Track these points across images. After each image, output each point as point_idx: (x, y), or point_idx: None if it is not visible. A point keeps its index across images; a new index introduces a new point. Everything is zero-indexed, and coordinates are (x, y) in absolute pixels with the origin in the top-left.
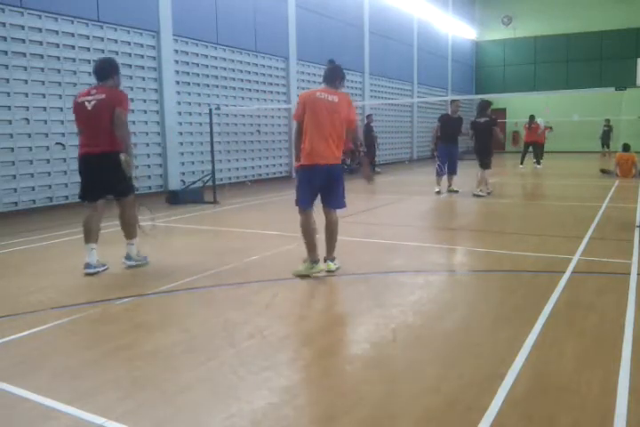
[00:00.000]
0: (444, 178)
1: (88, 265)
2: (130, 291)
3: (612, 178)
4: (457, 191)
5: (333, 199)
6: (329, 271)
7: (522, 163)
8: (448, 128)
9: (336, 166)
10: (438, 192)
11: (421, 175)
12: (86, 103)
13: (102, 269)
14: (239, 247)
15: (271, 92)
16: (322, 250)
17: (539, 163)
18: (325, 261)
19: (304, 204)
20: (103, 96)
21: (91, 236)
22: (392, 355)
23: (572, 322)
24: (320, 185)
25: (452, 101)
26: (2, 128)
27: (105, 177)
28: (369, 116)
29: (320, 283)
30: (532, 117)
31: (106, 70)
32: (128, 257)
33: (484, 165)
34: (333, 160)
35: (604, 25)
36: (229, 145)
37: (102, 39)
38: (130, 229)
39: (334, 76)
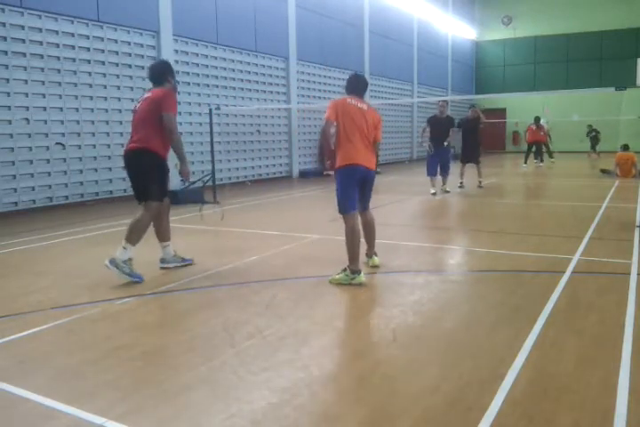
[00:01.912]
0: (439, 179)
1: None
2: (130, 291)
3: (612, 178)
4: (448, 191)
5: (367, 201)
6: (375, 267)
7: (525, 162)
8: (437, 129)
9: (372, 171)
10: (434, 193)
11: (421, 175)
12: (136, 105)
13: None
14: (239, 247)
15: (271, 92)
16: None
17: (542, 160)
18: (371, 256)
19: (353, 206)
20: (150, 94)
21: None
22: (392, 355)
23: (572, 322)
24: (358, 185)
25: (439, 102)
26: (2, 128)
27: (133, 175)
28: None
29: (320, 283)
30: (537, 119)
31: (157, 75)
32: (111, 260)
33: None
34: (369, 164)
35: (604, 25)
36: (229, 145)
37: (102, 39)
38: (132, 231)
39: (362, 87)
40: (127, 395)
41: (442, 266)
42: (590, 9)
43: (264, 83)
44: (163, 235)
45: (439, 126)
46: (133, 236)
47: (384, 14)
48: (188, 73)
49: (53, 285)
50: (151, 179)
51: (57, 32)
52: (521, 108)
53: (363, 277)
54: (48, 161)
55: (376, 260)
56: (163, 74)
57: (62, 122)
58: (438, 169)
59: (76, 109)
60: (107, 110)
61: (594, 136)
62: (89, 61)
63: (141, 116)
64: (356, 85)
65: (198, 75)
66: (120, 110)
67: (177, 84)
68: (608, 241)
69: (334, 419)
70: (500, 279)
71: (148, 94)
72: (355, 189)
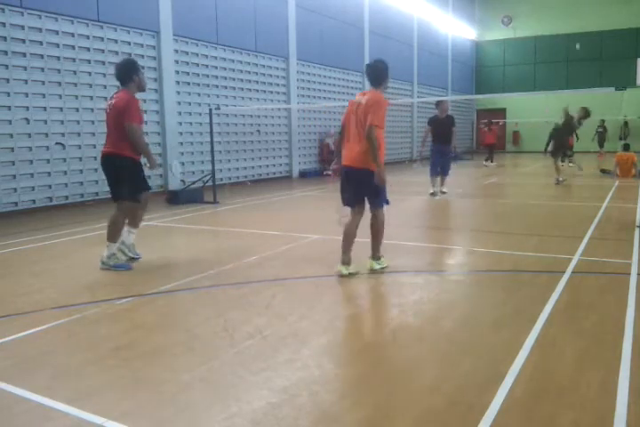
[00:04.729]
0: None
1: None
2: (130, 291)
3: (612, 178)
4: (445, 192)
5: (357, 200)
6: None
7: (562, 160)
8: (439, 129)
9: (353, 169)
10: (433, 194)
11: (421, 175)
12: (107, 107)
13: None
14: (239, 247)
15: (271, 92)
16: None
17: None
18: (375, 258)
19: (344, 201)
20: (113, 102)
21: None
22: (392, 355)
23: (572, 322)
24: (346, 184)
25: (439, 103)
26: (2, 128)
27: (107, 177)
28: None
29: (320, 283)
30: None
31: (123, 74)
32: (101, 261)
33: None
34: (351, 160)
35: (604, 25)
36: (229, 145)
37: (102, 39)
38: (109, 230)
39: (369, 76)
40: (127, 395)
41: (442, 266)
42: (590, 9)
43: (264, 83)
44: (135, 223)
45: (441, 127)
46: (112, 234)
47: (384, 14)
48: (187, 73)
49: (53, 285)
50: (123, 181)
51: (57, 32)
52: (521, 108)
53: (341, 268)
54: (48, 161)
55: (370, 263)
56: (127, 73)
57: (62, 122)
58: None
59: (76, 109)
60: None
61: (600, 133)
62: (89, 61)
63: (109, 123)
64: (370, 74)
65: (198, 75)
66: None
67: (143, 81)
68: (608, 241)
69: (334, 419)
70: (500, 279)
71: (114, 100)
72: (344, 188)
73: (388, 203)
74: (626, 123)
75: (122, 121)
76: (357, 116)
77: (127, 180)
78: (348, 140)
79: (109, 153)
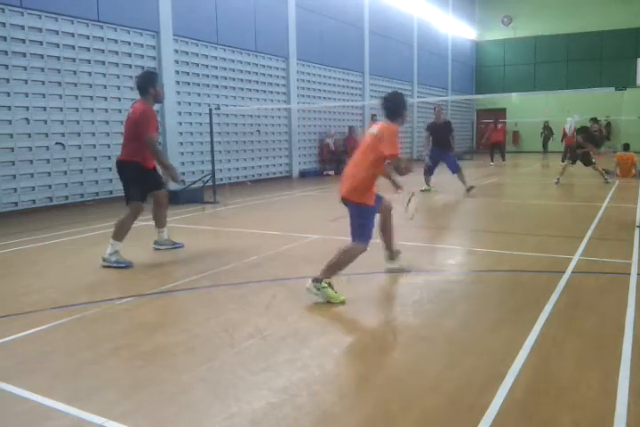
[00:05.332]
0: (434, 177)
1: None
2: (130, 291)
3: (612, 178)
4: (473, 187)
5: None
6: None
7: (563, 160)
8: (437, 135)
9: (346, 200)
10: (423, 190)
11: (421, 175)
12: (126, 117)
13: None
14: (239, 247)
15: (271, 92)
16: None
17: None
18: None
19: None
20: (131, 112)
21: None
22: (392, 355)
23: (572, 322)
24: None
25: (434, 109)
26: (2, 128)
27: (122, 181)
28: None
29: None
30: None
31: (140, 85)
32: (102, 258)
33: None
34: (343, 192)
35: (604, 25)
36: (229, 145)
37: (102, 39)
38: (115, 229)
39: (390, 110)
40: (127, 395)
41: (442, 266)
42: (590, 9)
43: (264, 83)
44: (160, 222)
45: (438, 132)
46: (119, 233)
47: (384, 14)
48: (187, 73)
49: (53, 285)
50: (133, 185)
51: (57, 32)
52: (521, 108)
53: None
54: (48, 161)
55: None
56: (144, 85)
57: (62, 122)
58: (440, 170)
59: (76, 109)
60: (107, 110)
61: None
62: (89, 61)
63: (126, 133)
64: (384, 107)
65: (198, 75)
66: (120, 110)
67: (160, 93)
68: (608, 241)
69: (334, 419)
70: (500, 279)
71: (130, 111)
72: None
73: (367, 242)
74: (609, 123)
75: (137, 132)
76: (364, 145)
77: (134, 183)
78: (349, 164)
79: (121, 160)
